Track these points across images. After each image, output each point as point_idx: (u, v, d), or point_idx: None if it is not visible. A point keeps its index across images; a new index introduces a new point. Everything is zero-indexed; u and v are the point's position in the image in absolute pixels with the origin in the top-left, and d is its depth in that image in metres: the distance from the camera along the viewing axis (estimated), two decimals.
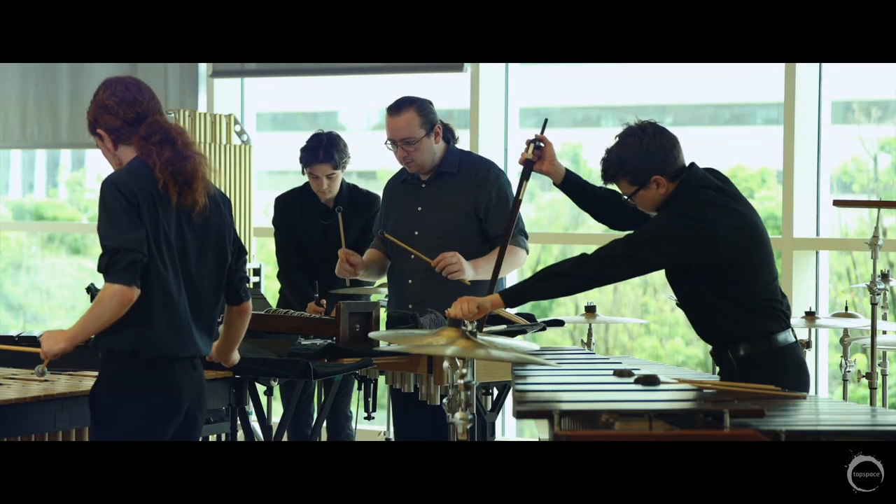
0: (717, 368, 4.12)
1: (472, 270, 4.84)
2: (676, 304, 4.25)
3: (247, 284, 3.92)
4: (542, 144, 4.35)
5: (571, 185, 4.39)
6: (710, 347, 4.15)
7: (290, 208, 5.88)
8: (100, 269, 3.59)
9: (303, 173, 5.81)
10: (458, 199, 5.04)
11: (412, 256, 5.03)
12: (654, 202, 4.05)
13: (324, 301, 5.54)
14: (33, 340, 5.04)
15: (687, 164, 4.09)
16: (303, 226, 5.82)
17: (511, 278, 6.02)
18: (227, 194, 6.93)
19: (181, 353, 3.68)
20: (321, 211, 5.82)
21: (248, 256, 6.81)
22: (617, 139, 4.08)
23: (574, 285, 4.00)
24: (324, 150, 5.70)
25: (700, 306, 4.05)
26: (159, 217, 3.61)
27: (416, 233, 5.07)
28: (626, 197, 4.10)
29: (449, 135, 5.09)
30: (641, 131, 4.04)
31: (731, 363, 3.99)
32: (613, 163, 4.04)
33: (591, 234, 7.99)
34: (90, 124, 3.76)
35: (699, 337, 4.16)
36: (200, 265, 3.71)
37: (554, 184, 4.42)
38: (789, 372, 3.95)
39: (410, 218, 5.09)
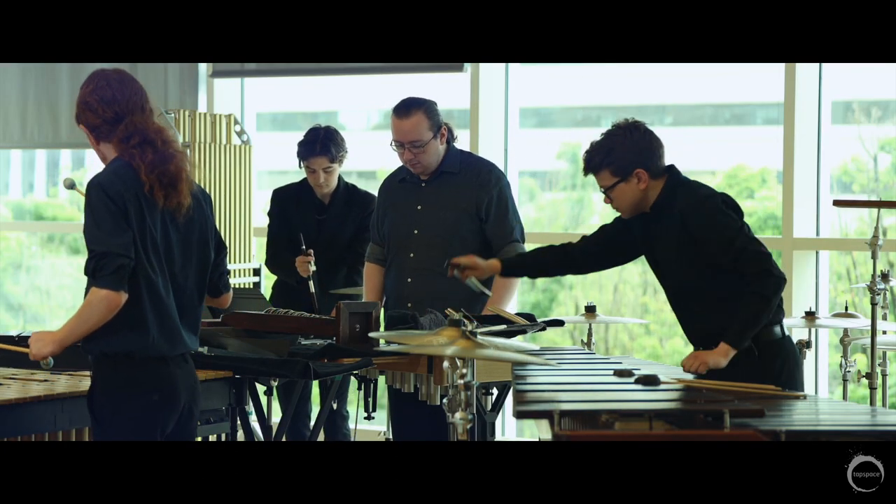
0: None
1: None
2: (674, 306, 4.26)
3: (227, 278, 3.93)
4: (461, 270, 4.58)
5: (514, 267, 4.63)
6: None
7: (287, 202, 5.91)
8: (86, 273, 3.58)
9: (300, 167, 5.82)
10: (459, 198, 5.04)
11: (412, 255, 5.05)
12: (632, 198, 4.16)
13: (311, 251, 5.61)
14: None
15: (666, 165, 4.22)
16: (297, 220, 5.84)
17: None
18: (227, 194, 6.99)
19: (172, 352, 3.68)
20: (316, 206, 5.84)
21: (248, 256, 6.84)
22: (604, 133, 4.20)
23: (768, 306, 4.06)
24: (321, 143, 5.72)
25: (700, 300, 4.13)
26: (146, 220, 3.60)
27: (416, 232, 5.07)
28: (603, 192, 4.19)
29: (450, 135, 5.10)
30: (632, 126, 4.16)
31: (750, 348, 4.05)
32: (599, 151, 4.16)
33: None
34: (76, 117, 3.78)
35: (688, 339, 4.23)
36: (185, 265, 3.72)
37: (499, 275, 4.65)
38: (790, 362, 4.10)
39: (410, 217, 5.10)
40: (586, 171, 4.22)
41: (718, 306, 4.07)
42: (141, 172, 3.61)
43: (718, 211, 4.10)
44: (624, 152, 4.12)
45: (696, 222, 4.09)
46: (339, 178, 5.85)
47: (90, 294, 3.55)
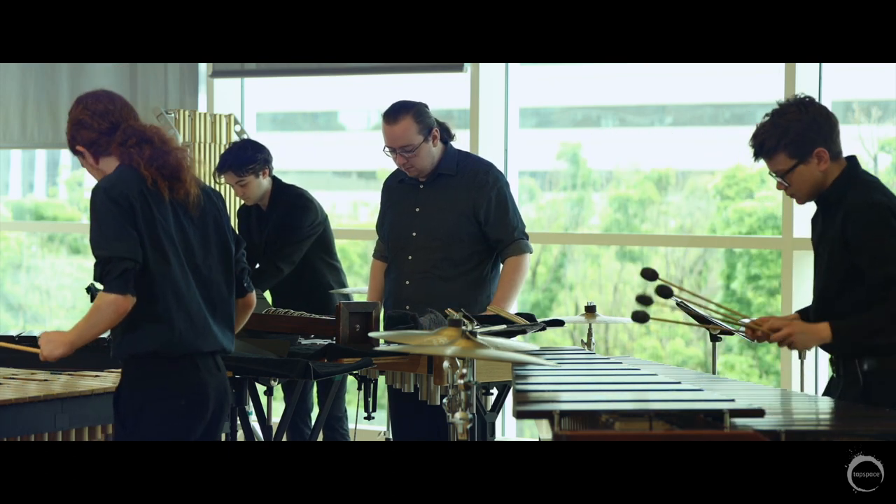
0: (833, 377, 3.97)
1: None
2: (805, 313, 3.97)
3: (249, 275, 3.89)
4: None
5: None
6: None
7: (244, 211, 6.06)
8: (96, 278, 3.58)
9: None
10: (456, 200, 5.04)
11: (410, 258, 5.05)
12: (812, 182, 3.84)
13: None
14: (33, 340, 5.04)
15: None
16: (247, 227, 5.98)
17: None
18: (227, 194, 7.00)
19: (203, 347, 3.65)
20: (255, 213, 5.98)
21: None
22: (770, 115, 3.87)
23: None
24: (224, 160, 5.85)
25: (842, 314, 3.82)
26: (155, 215, 3.59)
27: (414, 234, 5.07)
28: (777, 179, 3.87)
29: (446, 135, 5.09)
30: (804, 102, 3.85)
31: (857, 376, 3.82)
32: (774, 133, 3.81)
33: (591, 234, 8.00)
34: (70, 143, 3.79)
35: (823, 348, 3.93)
36: (206, 257, 3.70)
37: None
38: None
39: (408, 219, 5.10)
40: (757, 155, 3.88)
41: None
42: (140, 168, 3.62)
43: (884, 223, 3.73)
44: (802, 130, 3.78)
45: (854, 228, 3.75)
46: (277, 182, 5.92)
47: (98, 298, 3.55)
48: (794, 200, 3.98)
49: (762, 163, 3.94)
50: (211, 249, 3.72)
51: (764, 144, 3.84)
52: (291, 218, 5.80)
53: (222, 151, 7.02)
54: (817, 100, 3.92)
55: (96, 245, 3.57)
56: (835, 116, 3.88)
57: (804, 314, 4.02)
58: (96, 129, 3.70)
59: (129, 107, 3.76)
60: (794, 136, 3.80)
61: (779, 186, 3.92)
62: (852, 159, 3.88)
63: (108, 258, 3.53)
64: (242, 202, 6.03)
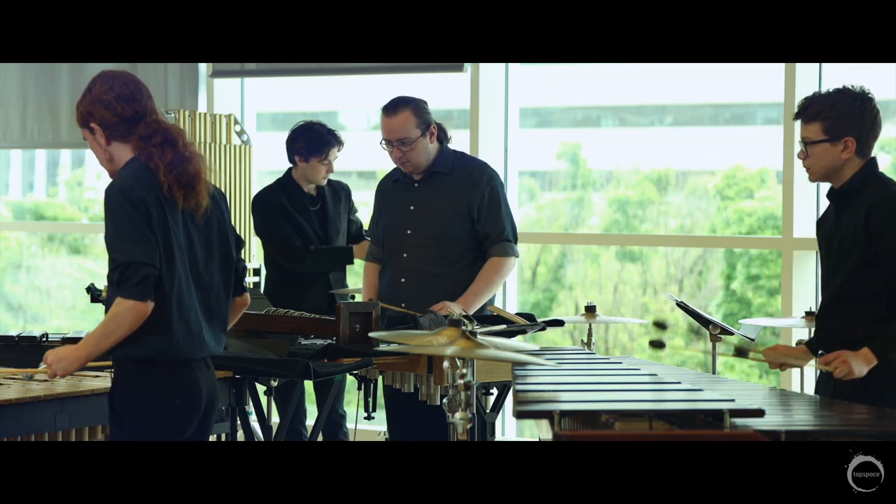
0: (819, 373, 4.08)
1: (459, 309, 4.81)
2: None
3: (244, 277, 3.89)
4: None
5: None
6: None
7: (282, 204, 5.85)
8: (110, 283, 3.53)
9: (299, 165, 5.80)
10: (451, 198, 5.04)
11: (405, 255, 5.04)
12: (828, 163, 3.98)
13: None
14: (33, 341, 5.05)
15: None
16: (297, 217, 5.83)
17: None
18: (228, 194, 6.99)
19: (196, 355, 3.65)
20: (308, 199, 5.88)
21: (248, 256, 6.84)
22: (833, 90, 4.01)
23: None
24: (331, 134, 5.79)
25: (853, 305, 3.94)
26: (168, 221, 3.56)
27: (409, 232, 5.08)
28: (802, 146, 4.00)
29: (442, 135, 5.10)
30: (864, 95, 3.98)
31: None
32: (822, 102, 3.97)
33: (591, 234, 8.00)
34: (82, 116, 3.66)
35: (821, 345, 4.02)
36: (208, 263, 3.68)
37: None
38: None
39: (403, 217, 5.10)
40: (798, 115, 4.03)
41: (861, 313, 3.90)
42: (159, 172, 3.56)
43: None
44: (846, 112, 3.93)
45: (877, 220, 3.88)
46: None
47: (116, 305, 3.50)
48: (807, 175, 4.10)
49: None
50: (213, 255, 3.70)
51: (809, 108, 4.00)
52: (352, 206, 5.99)
53: (222, 151, 7.03)
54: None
55: (114, 248, 3.52)
56: (881, 122, 4.01)
57: (809, 346, 4.11)
58: (118, 112, 3.61)
59: (152, 99, 3.68)
60: (837, 115, 3.95)
61: (800, 154, 4.06)
62: (873, 159, 4.01)
63: (128, 263, 3.48)
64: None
